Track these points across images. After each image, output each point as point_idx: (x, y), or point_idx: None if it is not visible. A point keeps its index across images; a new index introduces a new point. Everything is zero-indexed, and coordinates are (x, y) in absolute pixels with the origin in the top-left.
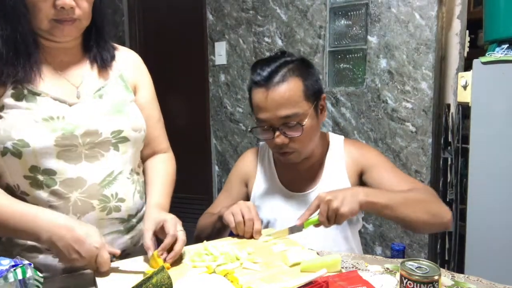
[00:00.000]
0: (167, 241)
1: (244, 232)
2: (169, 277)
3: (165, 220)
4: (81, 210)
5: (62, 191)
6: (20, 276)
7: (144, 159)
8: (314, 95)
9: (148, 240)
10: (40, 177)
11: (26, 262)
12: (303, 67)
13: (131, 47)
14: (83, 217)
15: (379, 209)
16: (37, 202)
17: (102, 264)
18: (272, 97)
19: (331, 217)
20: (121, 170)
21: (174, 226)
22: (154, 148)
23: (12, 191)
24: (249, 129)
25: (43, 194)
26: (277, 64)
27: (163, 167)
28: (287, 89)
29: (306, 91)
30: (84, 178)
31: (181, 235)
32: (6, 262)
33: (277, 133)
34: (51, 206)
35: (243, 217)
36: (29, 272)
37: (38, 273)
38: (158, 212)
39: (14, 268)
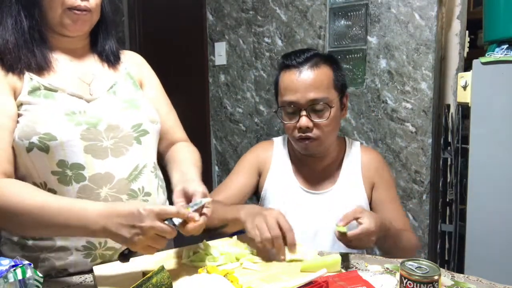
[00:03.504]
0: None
1: (269, 250)
2: (169, 277)
3: (193, 192)
4: None
5: (92, 187)
6: (20, 276)
7: (163, 152)
8: (341, 87)
9: (177, 196)
10: (69, 172)
11: (26, 262)
12: (333, 61)
13: (131, 47)
14: None
15: (382, 243)
16: None
17: (168, 213)
18: (304, 78)
19: (359, 246)
20: (145, 164)
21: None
22: (170, 139)
23: None
24: (273, 111)
25: (72, 190)
26: (311, 53)
27: (188, 150)
28: (319, 74)
29: (335, 81)
30: (112, 173)
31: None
32: (6, 262)
33: (303, 113)
34: None
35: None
36: (29, 272)
37: (38, 273)
38: (198, 183)
39: (14, 268)
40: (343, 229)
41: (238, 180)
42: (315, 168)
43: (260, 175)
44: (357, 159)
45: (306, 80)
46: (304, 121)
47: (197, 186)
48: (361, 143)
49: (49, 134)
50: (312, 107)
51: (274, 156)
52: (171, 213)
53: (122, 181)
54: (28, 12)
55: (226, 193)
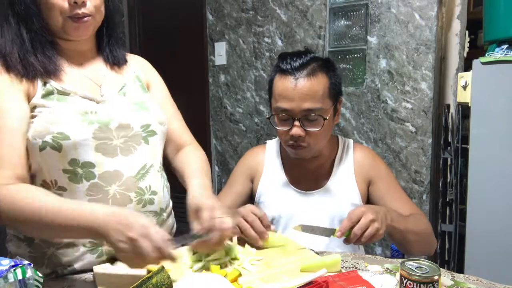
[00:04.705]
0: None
1: (255, 236)
2: (169, 277)
3: (201, 208)
4: (120, 202)
5: (102, 184)
6: (20, 276)
7: (170, 156)
8: (335, 95)
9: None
10: (80, 170)
11: (26, 262)
12: (329, 66)
13: (131, 48)
14: None
15: (394, 233)
16: (75, 197)
17: (157, 244)
18: (300, 88)
19: (367, 237)
20: (152, 164)
21: (209, 216)
22: (176, 142)
23: (47, 187)
24: (266, 117)
25: (82, 188)
26: (308, 58)
27: (194, 154)
28: (316, 83)
29: (331, 89)
30: (121, 171)
31: (218, 224)
32: (6, 262)
33: (297, 123)
34: (90, 200)
35: (247, 222)
36: (29, 272)
37: (38, 273)
38: (199, 194)
39: (14, 268)
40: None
41: (232, 191)
42: (307, 168)
43: (252, 181)
44: (349, 157)
45: (301, 90)
46: (296, 130)
47: (202, 200)
48: (356, 141)
49: (63, 133)
50: (306, 116)
51: (266, 159)
52: (157, 248)
53: (130, 179)
54: (26, 25)
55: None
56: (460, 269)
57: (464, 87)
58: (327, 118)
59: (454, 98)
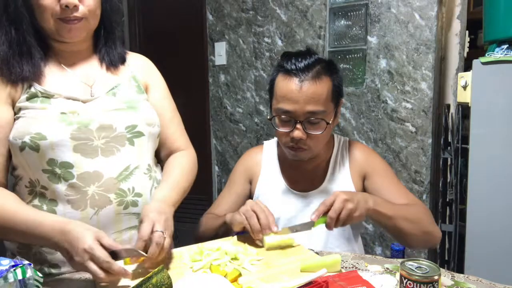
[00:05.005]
0: (137, 245)
1: (258, 227)
2: (169, 277)
3: (142, 220)
4: (98, 203)
5: (80, 185)
6: (20, 276)
7: (163, 162)
8: (337, 97)
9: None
10: (58, 170)
11: (26, 262)
12: (333, 69)
13: (131, 48)
14: (101, 211)
15: (382, 219)
16: (55, 196)
17: (103, 264)
18: (305, 90)
19: (343, 218)
20: (138, 165)
21: (148, 228)
22: (170, 148)
23: (33, 186)
24: (268, 117)
25: (61, 187)
26: (313, 59)
27: (177, 162)
28: (320, 87)
29: (333, 92)
30: (101, 172)
31: (156, 237)
32: (6, 262)
33: (299, 126)
34: (69, 200)
35: (255, 213)
36: (29, 272)
37: (38, 273)
38: (152, 208)
39: (14, 268)
40: (321, 221)
41: (231, 193)
42: (304, 169)
43: (250, 182)
44: (345, 156)
45: (306, 92)
46: (298, 133)
47: (147, 213)
48: (351, 140)
49: (40, 134)
50: (308, 119)
51: (264, 161)
52: (100, 262)
53: (111, 180)
54: (16, 26)
55: (221, 208)
56: (460, 269)
57: (464, 87)
58: (330, 122)
59: (454, 98)
